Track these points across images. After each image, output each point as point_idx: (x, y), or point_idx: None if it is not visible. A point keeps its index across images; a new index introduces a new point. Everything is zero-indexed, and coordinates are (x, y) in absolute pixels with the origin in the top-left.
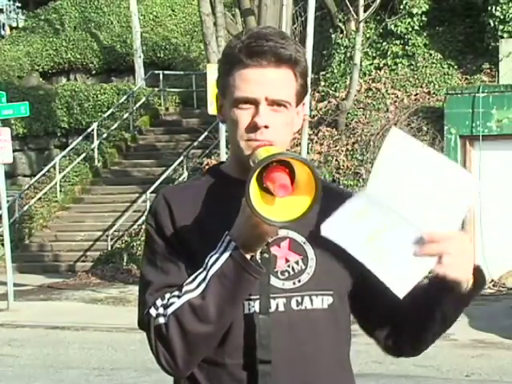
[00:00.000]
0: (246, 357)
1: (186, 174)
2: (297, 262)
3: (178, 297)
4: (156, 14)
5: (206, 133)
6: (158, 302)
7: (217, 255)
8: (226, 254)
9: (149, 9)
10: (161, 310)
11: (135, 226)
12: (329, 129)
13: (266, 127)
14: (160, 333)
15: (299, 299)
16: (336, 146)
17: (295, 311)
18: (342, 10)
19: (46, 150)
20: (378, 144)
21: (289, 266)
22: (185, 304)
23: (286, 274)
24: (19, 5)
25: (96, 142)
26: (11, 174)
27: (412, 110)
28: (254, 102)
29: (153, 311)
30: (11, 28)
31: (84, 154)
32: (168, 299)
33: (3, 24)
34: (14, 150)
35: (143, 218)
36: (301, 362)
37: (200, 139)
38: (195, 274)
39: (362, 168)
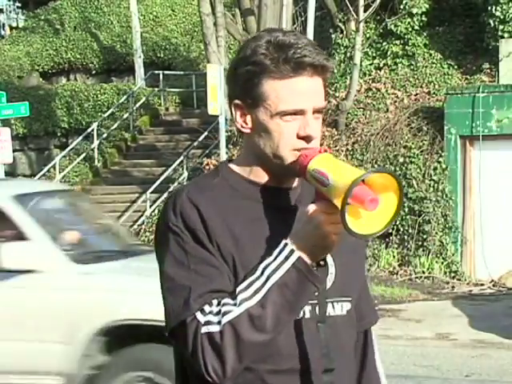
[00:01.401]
0: (286, 363)
1: (185, 174)
2: None
3: (235, 305)
4: (156, 14)
5: (206, 133)
6: (207, 309)
7: (276, 264)
8: (289, 264)
9: (149, 9)
10: (211, 317)
11: (135, 226)
12: (329, 129)
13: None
14: (212, 341)
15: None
16: (336, 146)
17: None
18: (342, 10)
19: (46, 150)
20: (377, 144)
21: None
22: (243, 313)
23: None
24: (19, 5)
25: (96, 142)
26: (11, 174)
27: (412, 110)
28: (301, 113)
29: (201, 317)
30: (11, 28)
31: (84, 154)
32: (221, 306)
33: (3, 24)
34: (14, 150)
35: (143, 218)
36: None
37: (200, 139)
38: (248, 281)
39: (361, 168)
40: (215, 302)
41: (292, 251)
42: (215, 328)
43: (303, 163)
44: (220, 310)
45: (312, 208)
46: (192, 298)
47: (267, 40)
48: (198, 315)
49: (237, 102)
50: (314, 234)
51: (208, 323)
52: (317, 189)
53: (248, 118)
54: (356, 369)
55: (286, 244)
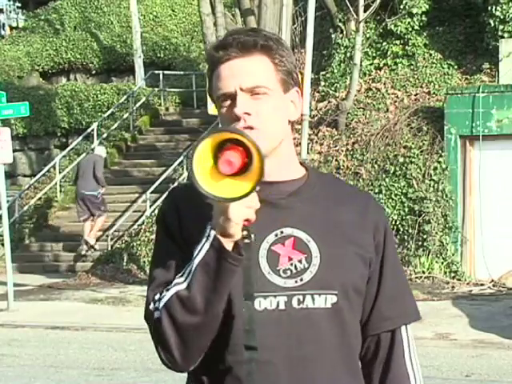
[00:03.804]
0: (253, 354)
1: (185, 173)
2: (300, 261)
3: (167, 290)
4: (156, 14)
5: (205, 133)
6: (156, 297)
7: (200, 245)
8: (208, 244)
9: (149, 9)
10: (156, 305)
11: (135, 226)
12: (329, 129)
13: (248, 114)
14: (156, 327)
15: (301, 298)
16: (336, 146)
17: (296, 310)
18: (342, 10)
19: (46, 149)
20: (377, 144)
21: (291, 265)
22: (173, 296)
23: (288, 273)
24: (19, 5)
25: (96, 142)
26: (11, 174)
27: (412, 110)
28: (232, 96)
29: (152, 306)
30: (11, 28)
31: (84, 154)
32: (161, 293)
33: (3, 24)
34: (14, 150)
35: (143, 218)
36: (301, 361)
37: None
38: (186, 267)
39: (361, 168)
40: (165, 291)
41: (210, 230)
42: (157, 314)
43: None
44: (160, 297)
45: None
46: (151, 288)
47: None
48: (151, 305)
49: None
50: (217, 211)
51: (155, 310)
52: None
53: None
54: (378, 371)
55: (209, 225)
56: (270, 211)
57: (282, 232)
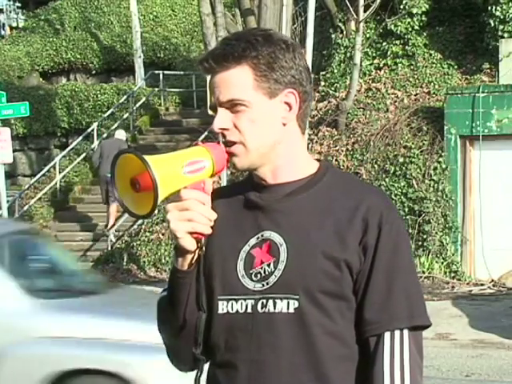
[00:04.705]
0: (224, 356)
1: None
2: (268, 265)
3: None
4: (156, 14)
5: (205, 133)
6: None
7: None
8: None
9: (149, 9)
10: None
11: (135, 226)
12: (329, 129)
13: (226, 129)
14: None
15: (264, 302)
16: (336, 146)
17: (259, 314)
18: (342, 10)
19: (46, 149)
20: (377, 144)
21: (261, 268)
22: (158, 301)
23: (258, 276)
24: (19, 5)
25: (96, 142)
26: (11, 174)
27: (412, 110)
28: (216, 110)
29: None
30: (11, 28)
31: (84, 154)
32: None
33: (3, 24)
34: (14, 150)
35: None
36: (259, 365)
37: (200, 139)
38: None
39: (361, 168)
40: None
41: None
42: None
43: None
44: None
45: None
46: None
47: None
48: None
49: None
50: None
51: None
52: None
53: None
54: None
55: None
56: (256, 215)
57: (262, 235)
